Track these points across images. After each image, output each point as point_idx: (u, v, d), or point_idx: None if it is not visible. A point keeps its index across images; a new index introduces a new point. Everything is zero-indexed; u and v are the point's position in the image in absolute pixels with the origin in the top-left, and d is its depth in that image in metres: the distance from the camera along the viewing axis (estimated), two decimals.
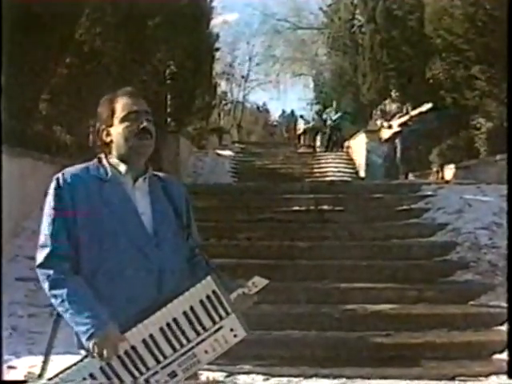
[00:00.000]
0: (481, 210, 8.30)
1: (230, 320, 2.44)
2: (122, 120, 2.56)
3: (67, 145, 10.76)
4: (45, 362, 2.54)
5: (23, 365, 5.21)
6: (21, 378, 4.89)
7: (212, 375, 4.48)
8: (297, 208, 9.01)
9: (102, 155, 2.62)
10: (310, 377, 5.13)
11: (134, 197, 2.55)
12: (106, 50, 11.39)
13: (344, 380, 5.08)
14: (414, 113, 11.59)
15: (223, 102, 37.40)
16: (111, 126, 2.58)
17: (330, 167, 17.04)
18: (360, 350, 5.66)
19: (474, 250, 7.38)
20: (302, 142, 26.42)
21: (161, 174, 2.72)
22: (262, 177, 14.57)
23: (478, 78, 11.41)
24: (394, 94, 12.31)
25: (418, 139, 12.90)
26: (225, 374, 4.93)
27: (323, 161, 17.98)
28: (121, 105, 2.59)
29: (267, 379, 5.09)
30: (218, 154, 18.63)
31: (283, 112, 40.73)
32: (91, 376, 2.36)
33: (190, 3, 14.91)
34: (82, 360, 2.40)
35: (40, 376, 2.44)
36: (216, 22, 21.37)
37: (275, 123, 43.59)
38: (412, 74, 14.71)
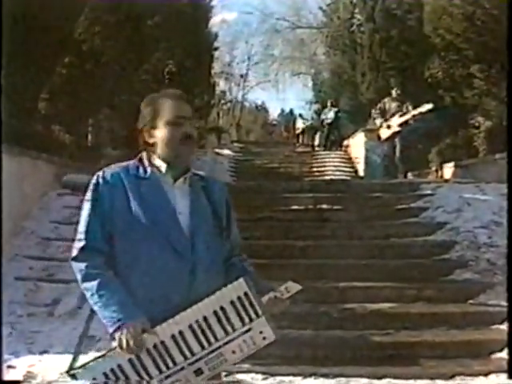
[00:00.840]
0: (480, 209, 8.30)
1: (259, 322, 2.48)
2: (168, 124, 2.56)
3: (66, 144, 10.77)
4: (76, 354, 2.56)
5: (22, 364, 5.22)
6: (20, 377, 4.91)
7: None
8: (296, 207, 9.01)
9: (144, 154, 2.63)
10: (309, 376, 5.13)
11: (173, 196, 2.57)
12: (105, 50, 11.40)
13: (343, 379, 5.09)
14: (414, 112, 11.59)
15: (222, 102, 37.41)
16: (155, 127, 2.58)
17: (329, 166, 17.03)
18: (359, 349, 5.66)
19: (472, 249, 7.38)
20: (300, 141, 26.43)
21: (202, 174, 2.74)
22: (260, 176, 14.57)
23: (476, 76, 11.43)
24: (394, 92, 12.28)
25: (417, 138, 12.91)
26: (224, 372, 4.93)
27: (322, 160, 17.97)
28: (167, 107, 2.58)
29: (266, 378, 5.10)
30: (217, 154, 18.61)
31: (282, 111, 40.85)
32: (119, 367, 2.39)
33: (189, 3, 14.92)
34: (110, 350, 2.43)
35: (70, 368, 2.45)
36: (215, 22, 21.36)
37: (274, 122, 43.68)
38: (411, 73, 14.73)
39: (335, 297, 6.56)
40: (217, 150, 19.29)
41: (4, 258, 6.84)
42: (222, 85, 36.31)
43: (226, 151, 19.47)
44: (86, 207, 2.56)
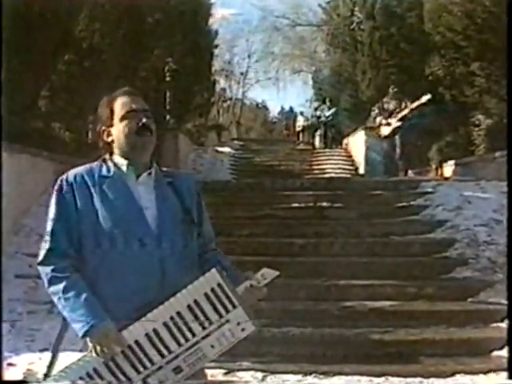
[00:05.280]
0: (480, 207, 8.30)
1: (236, 313, 2.41)
2: (122, 119, 2.60)
3: (66, 141, 10.77)
4: (52, 360, 2.54)
5: (22, 362, 5.22)
6: (20, 375, 4.91)
7: (210, 372, 4.47)
8: (296, 205, 9.01)
9: (107, 155, 2.66)
10: (309, 374, 5.13)
11: (137, 192, 2.57)
12: (104, 47, 11.37)
13: (343, 377, 5.09)
14: (413, 105, 11.60)
15: (222, 99, 37.42)
16: (111, 126, 2.63)
17: (329, 164, 17.03)
18: (359, 347, 5.66)
19: (473, 247, 7.38)
20: (301, 138, 26.42)
21: (169, 170, 2.75)
22: (261, 174, 14.57)
23: (477, 74, 11.41)
24: (391, 90, 12.30)
25: (417, 135, 12.89)
26: (224, 370, 4.94)
27: (322, 158, 17.97)
28: (119, 104, 2.63)
29: (266, 376, 5.10)
30: (217, 151, 18.61)
31: (282, 109, 40.79)
32: (95, 371, 2.36)
33: (189, 0, 14.90)
34: (85, 355, 2.41)
35: (47, 374, 2.44)
36: (215, 19, 21.33)
37: (274, 120, 43.69)
38: (411, 70, 14.71)
39: (335, 295, 6.55)
40: (217, 148, 19.29)
41: (4, 256, 6.83)
42: (222, 82, 36.31)
43: (226, 149, 19.47)
44: (51, 211, 2.59)
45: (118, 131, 2.60)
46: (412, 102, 11.78)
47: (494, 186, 8.87)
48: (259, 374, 5.10)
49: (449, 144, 13.17)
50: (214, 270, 2.44)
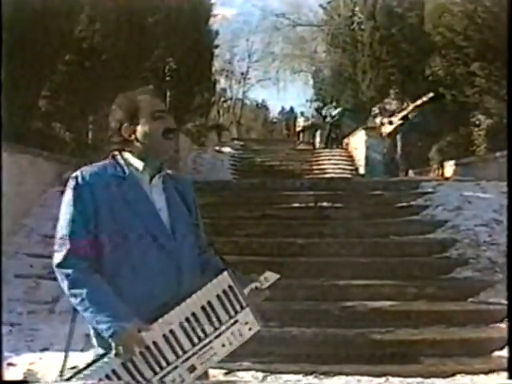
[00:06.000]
0: (480, 207, 8.30)
1: (244, 314, 2.51)
2: (150, 119, 2.57)
3: (67, 141, 10.77)
4: (64, 360, 2.54)
5: (22, 362, 5.21)
6: (20, 375, 4.91)
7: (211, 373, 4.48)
8: (296, 205, 9.00)
9: (116, 152, 2.62)
10: (310, 374, 5.13)
11: (150, 194, 2.57)
12: (105, 47, 11.39)
13: (343, 377, 5.09)
14: (416, 103, 11.60)
15: (222, 99, 37.45)
16: (136, 123, 2.58)
17: (330, 164, 17.04)
18: (359, 347, 5.65)
19: (473, 247, 7.38)
20: (301, 138, 26.43)
21: (171, 172, 2.73)
22: (261, 174, 14.56)
23: (477, 74, 11.42)
24: (393, 90, 12.30)
25: (418, 135, 12.90)
26: (224, 371, 4.93)
27: (323, 158, 17.97)
28: (146, 103, 2.59)
29: (266, 376, 5.10)
30: (218, 151, 18.62)
31: (283, 109, 40.83)
32: (114, 372, 2.38)
33: (190, 0, 14.90)
34: (103, 357, 2.41)
35: (61, 374, 2.45)
36: (215, 19, 21.33)
37: (275, 120, 43.69)
38: (412, 71, 14.72)
39: (335, 295, 6.54)
40: (217, 148, 19.30)
41: (4, 256, 6.83)
42: (222, 82, 36.37)
43: (227, 149, 19.48)
44: (68, 210, 2.50)
45: (143, 131, 2.57)
46: (413, 102, 11.79)
47: (495, 186, 8.87)
48: (259, 374, 5.10)
49: (449, 144, 13.18)
50: (225, 273, 2.51)
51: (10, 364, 5.13)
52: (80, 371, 2.38)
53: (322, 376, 5.11)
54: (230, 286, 2.50)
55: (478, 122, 12.27)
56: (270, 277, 2.63)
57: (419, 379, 5.04)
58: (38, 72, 9.48)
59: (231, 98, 40.67)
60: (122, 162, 2.59)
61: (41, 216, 8.24)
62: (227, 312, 2.49)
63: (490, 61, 11.06)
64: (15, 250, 7.44)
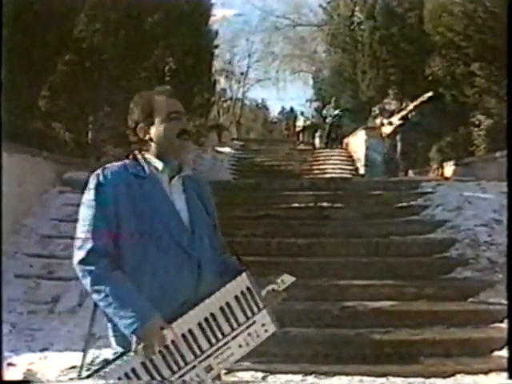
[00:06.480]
0: (480, 207, 8.30)
1: (261, 315, 2.55)
2: (165, 120, 2.59)
3: (66, 141, 10.78)
4: (83, 358, 2.55)
5: (22, 362, 5.21)
6: (20, 375, 4.91)
7: None
8: (296, 205, 9.00)
9: (137, 152, 2.65)
10: (310, 374, 5.13)
11: (171, 194, 2.59)
12: (105, 47, 11.39)
13: (344, 377, 5.09)
14: (415, 103, 11.60)
15: (222, 99, 37.42)
16: (151, 124, 2.61)
17: (330, 164, 17.02)
18: (360, 347, 5.65)
19: (473, 247, 7.38)
20: (301, 138, 26.41)
21: (190, 173, 2.74)
22: (261, 174, 14.56)
23: (477, 74, 11.42)
24: (392, 91, 12.31)
25: (417, 135, 12.90)
26: (224, 371, 4.93)
27: (322, 158, 17.96)
28: (162, 104, 2.61)
29: (266, 376, 5.10)
30: (218, 151, 18.61)
31: (282, 109, 40.87)
32: (133, 371, 2.39)
33: (189, 0, 14.91)
34: (122, 355, 2.41)
35: (79, 373, 2.45)
36: (215, 19, 21.33)
37: (274, 120, 43.71)
38: (411, 71, 14.71)
39: (335, 295, 6.54)
40: (217, 148, 19.29)
41: (4, 256, 6.83)
42: (222, 82, 36.33)
43: (227, 149, 19.47)
44: (90, 208, 2.52)
45: (158, 131, 2.59)
46: (412, 102, 11.79)
47: (494, 186, 8.87)
48: (259, 374, 5.10)
49: (449, 144, 13.18)
50: (244, 275, 2.54)
51: (9, 364, 5.13)
52: (99, 369, 2.39)
53: (321, 376, 5.11)
54: (247, 288, 2.53)
55: (477, 122, 12.26)
56: (287, 279, 2.67)
57: (419, 379, 5.04)
58: (38, 72, 9.48)
59: (231, 98, 40.65)
60: (142, 161, 2.61)
61: (41, 216, 8.24)
62: (245, 313, 2.52)
63: (489, 61, 11.06)
64: (15, 250, 7.44)
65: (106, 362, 2.41)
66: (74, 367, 4.86)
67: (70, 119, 11.25)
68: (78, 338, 5.56)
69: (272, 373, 5.13)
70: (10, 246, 7.33)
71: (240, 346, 2.50)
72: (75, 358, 5.08)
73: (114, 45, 11.64)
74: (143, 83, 12.31)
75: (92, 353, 5.01)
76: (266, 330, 2.56)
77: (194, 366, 2.43)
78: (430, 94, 11.40)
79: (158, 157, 2.60)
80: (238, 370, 5.03)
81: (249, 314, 2.52)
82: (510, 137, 7.76)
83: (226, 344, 2.48)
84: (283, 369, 5.22)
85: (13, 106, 8.05)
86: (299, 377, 5.11)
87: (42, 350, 5.49)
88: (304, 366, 5.25)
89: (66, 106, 11.08)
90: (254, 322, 2.53)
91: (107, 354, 2.53)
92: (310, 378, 5.08)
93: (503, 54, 8.79)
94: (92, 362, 4.12)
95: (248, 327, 2.52)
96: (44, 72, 9.88)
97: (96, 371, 2.38)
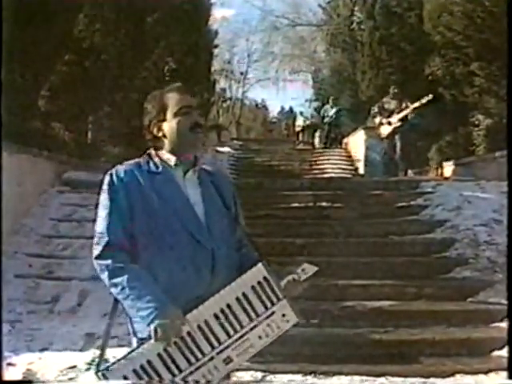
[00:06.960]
0: (480, 207, 8.30)
1: (281, 306, 2.53)
2: (176, 115, 2.65)
3: (66, 141, 10.77)
4: (101, 354, 2.56)
5: (22, 362, 5.21)
6: (20, 375, 4.91)
7: None
8: (296, 205, 9.01)
9: (152, 150, 2.70)
10: (309, 373, 5.13)
11: (185, 188, 2.63)
12: (105, 47, 11.39)
13: (343, 377, 5.09)
14: (415, 105, 11.60)
15: (222, 99, 37.42)
16: (163, 120, 2.66)
17: (329, 164, 17.00)
18: (359, 347, 5.65)
19: (472, 247, 7.38)
20: (300, 138, 26.38)
21: (209, 168, 2.80)
22: (260, 173, 14.54)
23: (477, 74, 11.41)
24: (392, 90, 12.30)
25: (417, 135, 12.90)
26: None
27: (322, 158, 17.93)
28: (173, 100, 2.67)
29: (266, 376, 5.09)
30: (217, 151, 18.60)
31: (282, 109, 40.82)
32: (148, 363, 2.39)
33: (189, 0, 14.90)
34: (138, 347, 2.43)
35: (97, 367, 2.45)
36: (215, 19, 21.34)
37: (274, 120, 43.68)
38: (411, 70, 14.71)
39: (335, 294, 6.55)
40: (217, 148, 19.27)
41: (4, 256, 6.83)
42: (221, 82, 36.35)
43: (226, 149, 19.44)
44: (105, 206, 2.58)
45: (170, 127, 2.65)
46: (412, 102, 11.79)
47: (494, 185, 8.88)
48: (259, 374, 5.10)
49: (449, 144, 13.18)
50: (260, 265, 2.56)
51: (9, 364, 5.13)
52: (114, 363, 2.39)
53: (321, 376, 5.10)
54: (265, 278, 2.53)
55: (477, 122, 12.26)
56: (308, 269, 2.66)
57: (419, 379, 5.04)
58: (38, 72, 9.48)
59: (231, 98, 40.65)
60: (155, 158, 2.67)
61: (40, 216, 8.24)
62: (263, 303, 2.50)
63: (489, 61, 11.05)
64: (15, 250, 7.44)
65: (124, 355, 2.42)
66: (73, 367, 4.87)
67: (69, 119, 11.24)
68: (77, 337, 5.57)
69: (271, 372, 5.13)
70: (9, 245, 7.33)
71: (260, 337, 2.49)
72: (75, 357, 5.09)
73: (113, 45, 11.65)
74: (143, 83, 12.33)
75: (92, 352, 5.03)
76: (287, 321, 2.54)
77: (212, 358, 2.42)
78: (430, 97, 11.38)
79: (171, 152, 2.66)
80: (237, 370, 5.02)
81: (268, 304, 2.50)
82: (509, 137, 7.77)
83: (244, 335, 2.46)
84: (283, 369, 5.22)
85: (13, 105, 8.05)
86: (299, 377, 5.11)
87: (42, 350, 5.49)
88: (303, 366, 5.25)
89: (66, 105, 11.07)
90: (274, 313, 2.51)
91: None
92: (310, 378, 5.08)
93: (503, 54, 8.80)
94: (92, 361, 4.12)
95: (267, 318, 2.50)
96: (44, 72, 9.87)
97: (113, 364, 2.39)
